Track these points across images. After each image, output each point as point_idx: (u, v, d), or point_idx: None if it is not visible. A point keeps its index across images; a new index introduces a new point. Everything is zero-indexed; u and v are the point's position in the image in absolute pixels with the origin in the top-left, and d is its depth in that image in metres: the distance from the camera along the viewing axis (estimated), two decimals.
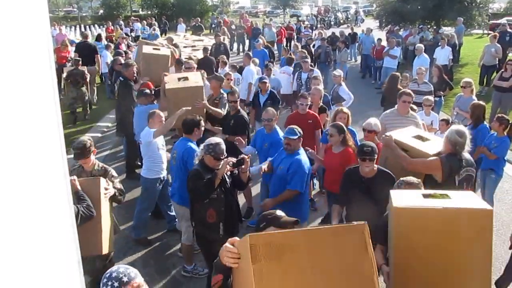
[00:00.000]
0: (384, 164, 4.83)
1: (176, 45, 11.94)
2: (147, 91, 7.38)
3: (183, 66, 9.04)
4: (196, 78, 7.41)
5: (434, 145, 4.88)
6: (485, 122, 6.78)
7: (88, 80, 11.80)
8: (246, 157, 4.56)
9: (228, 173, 4.61)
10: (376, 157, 4.53)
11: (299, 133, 5.06)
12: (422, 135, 5.20)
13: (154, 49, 9.48)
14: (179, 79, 7.39)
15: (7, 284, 0.79)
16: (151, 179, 5.88)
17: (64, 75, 11.49)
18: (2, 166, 0.76)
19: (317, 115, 7.00)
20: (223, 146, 4.55)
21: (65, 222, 0.92)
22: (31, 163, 0.81)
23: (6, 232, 0.78)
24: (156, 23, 26.35)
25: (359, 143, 5.39)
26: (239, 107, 6.99)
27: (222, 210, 4.48)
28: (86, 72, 11.57)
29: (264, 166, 5.40)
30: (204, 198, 4.46)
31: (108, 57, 13.74)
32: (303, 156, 5.10)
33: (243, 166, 4.55)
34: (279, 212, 2.77)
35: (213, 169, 4.45)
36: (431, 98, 7.97)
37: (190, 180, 4.48)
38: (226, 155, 4.55)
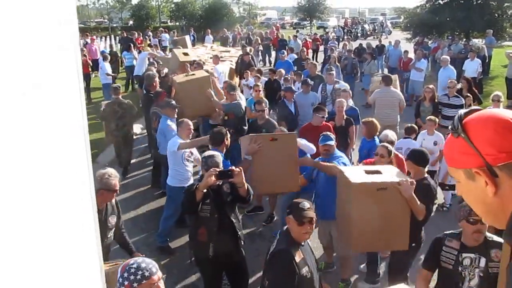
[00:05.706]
0: None
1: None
2: (173, 102, 7.08)
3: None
4: (202, 73, 7.93)
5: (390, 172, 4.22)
6: None
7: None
8: (235, 169, 4.01)
9: (228, 190, 4.22)
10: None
11: (334, 137, 5.37)
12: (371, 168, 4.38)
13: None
14: (186, 75, 7.94)
15: None
16: (175, 188, 5.92)
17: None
18: (26, 172, 0.78)
19: (331, 126, 6.87)
20: (217, 159, 4.19)
21: (89, 230, 0.93)
22: (56, 169, 0.82)
23: (28, 238, 0.79)
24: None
25: None
26: (267, 116, 7.04)
27: (214, 230, 4.11)
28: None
29: None
30: (187, 211, 4.28)
31: (107, 68, 13.62)
32: (341, 155, 5.39)
33: (232, 179, 4.01)
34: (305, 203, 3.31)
35: (211, 186, 4.06)
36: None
37: (183, 195, 4.17)
38: (220, 168, 4.14)
